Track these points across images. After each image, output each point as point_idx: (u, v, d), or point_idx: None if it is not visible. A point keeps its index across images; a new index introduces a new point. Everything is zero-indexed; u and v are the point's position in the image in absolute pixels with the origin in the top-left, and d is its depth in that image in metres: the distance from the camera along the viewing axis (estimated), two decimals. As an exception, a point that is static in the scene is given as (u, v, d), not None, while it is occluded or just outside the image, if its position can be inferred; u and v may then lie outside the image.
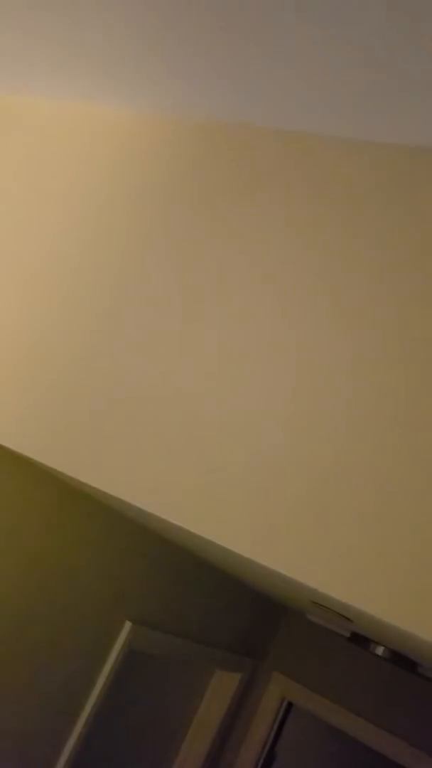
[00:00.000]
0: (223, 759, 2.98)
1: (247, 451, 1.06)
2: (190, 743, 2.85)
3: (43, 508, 1.72)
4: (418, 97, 1.07)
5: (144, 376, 1.23)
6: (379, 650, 1.71)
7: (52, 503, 1.74)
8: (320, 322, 1.13)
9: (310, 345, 1.12)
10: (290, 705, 3.07)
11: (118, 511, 1.84)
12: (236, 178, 1.34)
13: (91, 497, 1.80)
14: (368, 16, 0.96)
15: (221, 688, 2.93)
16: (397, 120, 1.15)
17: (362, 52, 1.04)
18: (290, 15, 1.03)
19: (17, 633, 1.71)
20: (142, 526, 2.03)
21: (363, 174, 1.22)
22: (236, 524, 1.00)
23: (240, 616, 2.79)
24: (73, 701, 1.95)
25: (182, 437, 1.13)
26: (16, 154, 1.66)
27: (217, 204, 1.34)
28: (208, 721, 2.89)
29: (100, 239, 1.44)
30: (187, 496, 1.06)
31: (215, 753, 2.90)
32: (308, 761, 3.54)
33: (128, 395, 1.22)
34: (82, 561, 1.86)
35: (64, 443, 1.23)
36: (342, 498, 0.96)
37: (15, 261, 1.51)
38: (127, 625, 2.07)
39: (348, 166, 1.24)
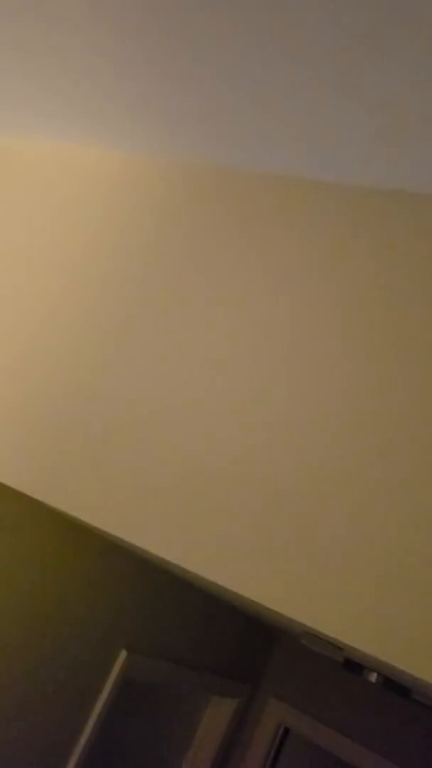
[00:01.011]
0: (219, 787, 2.96)
1: (239, 490, 1.09)
2: (186, 771, 2.83)
3: (38, 538, 1.73)
4: (389, 144, 1.12)
5: (137, 414, 1.26)
6: (372, 677, 1.72)
7: (48, 534, 1.76)
8: (298, 363, 1.17)
9: (293, 384, 1.15)
10: (287, 731, 3.07)
11: (112, 540, 1.85)
12: (221, 219, 1.38)
13: (85, 527, 1.81)
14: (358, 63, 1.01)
15: (217, 714, 2.92)
16: (372, 165, 1.20)
17: (340, 101, 1.09)
18: (278, 65, 1.07)
19: (11, 662, 1.72)
20: (137, 555, 2.04)
21: (347, 216, 1.26)
22: (228, 561, 1.03)
23: (235, 642, 2.79)
24: (68, 730, 1.95)
25: (172, 475, 1.16)
26: (11, 193, 1.70)
27: (204, 244, 1.38)
28: (205, 747, 2.88)
29: (89, 279, 1.48)
30: (177, 532, 1.09)
31: (212, 781, 2.89)
32: (305, 788, 3.52)
33: (120, 433, 1.25)
34: (77, 591, 1.88)
35: (58, 479, 1.26)
36: (329, 539, 0.99)
37: (7, 301, 1.55)
38: (123, 654, 2.08)
39: (324, 207, 1.29)
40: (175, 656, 2.38)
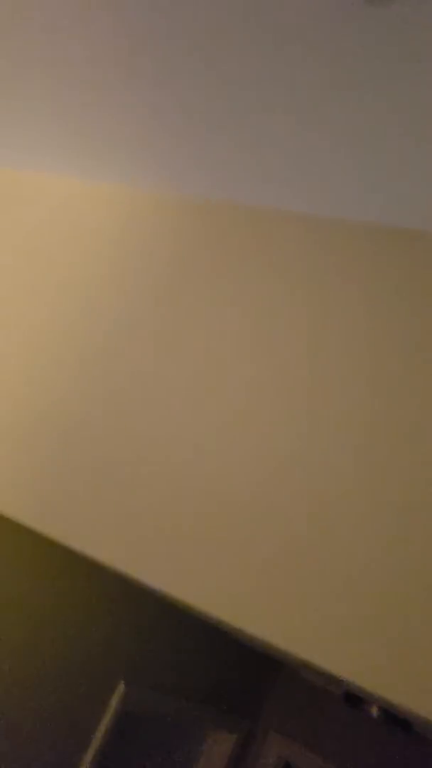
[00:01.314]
0: None
1: (241, 526, 1.10)
2: (185, 808, 2.78)
3: (37, 569, 1.73)
4: (384, 179, 1.15)
5: (133, 449, 1.27)
6: (373, 710, 1.71)
7: (47, 565, 1.75)
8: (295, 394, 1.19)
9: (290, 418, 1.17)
10: (288, 765, 3.02)
11: (112, 571, 1.85)
12: (226, 252, 1.41)
13: (85, 559, 1.81)
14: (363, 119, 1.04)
15: (217, 748, 2.88)
16: (372, 202, 1.23)
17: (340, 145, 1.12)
18: (276, 114, 1.11)
19: (8, 694, 1.71)
20: (137, 586, 2.04)
21: (352, 252, 1.29)
22: (229, 595, 1.03)
23: (235, 674, 2.76)
24: (67, 764, 1.92)
25: (171, 509, 1.17)
26: (23, 224, 1.74)
27: (209, 275, 1.41)
28: (204, 783, 2.83)
29: (94, 312, 1.50)
30: (179, 566, 1.09)
31: None
32: None
33: (119, 467, 1.26)
34: (75, 622, 1.87)
35: (58, 511, 1.27)
36: (331, 575, 1.00)
37: (9, 332, 1.57)
38: (121, 686, 2.06)
39: (325, 244, 1.32)
40: (174, 689, 2.36)
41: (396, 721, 1.80)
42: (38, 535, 1.55)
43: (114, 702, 2.05)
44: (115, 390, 1.38)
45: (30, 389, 1.47)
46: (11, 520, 1.33)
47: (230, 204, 1.44)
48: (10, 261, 1.69)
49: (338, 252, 1.30)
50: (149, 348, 1.39)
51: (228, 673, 2.71)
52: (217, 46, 0.97)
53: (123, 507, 1.21)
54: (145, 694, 2.18)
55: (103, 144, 1.45)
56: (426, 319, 1.16)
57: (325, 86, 0.95)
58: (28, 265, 1.65)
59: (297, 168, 1.22)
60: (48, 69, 1.27)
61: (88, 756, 1.97)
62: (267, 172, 1.27)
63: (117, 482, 1.25)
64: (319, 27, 0.82)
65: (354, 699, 1.77)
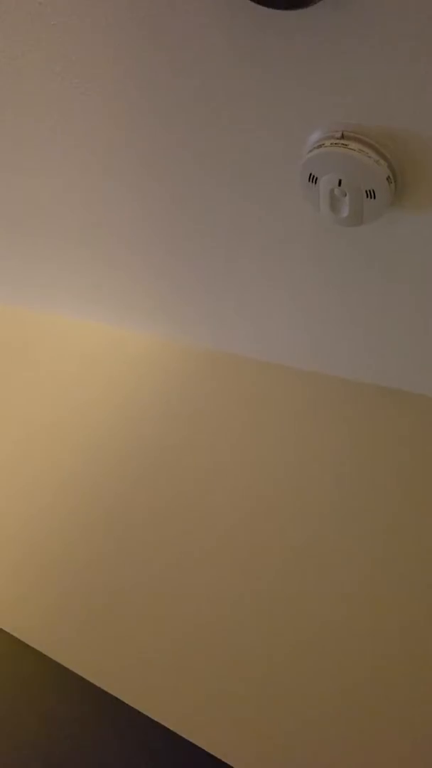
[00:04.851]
0: None
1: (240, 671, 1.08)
2: None
3: (43, 690, 1.68)
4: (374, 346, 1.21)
5: (132, 584, 1.27)
6: None
7: (51, 687, 1.70)
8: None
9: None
10: None
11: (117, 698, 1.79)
12: (233, 402, 1.45)
13: (91, 686, 1.76)
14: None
15: None
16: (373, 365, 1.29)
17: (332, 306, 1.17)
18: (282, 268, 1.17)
19: None
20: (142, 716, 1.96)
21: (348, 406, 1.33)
22: (236, 741, 1.00)
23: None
24: None
25: (172, 648, 1.15)
26: (44, 363, 1.78)
27: (213, 421, 1.44)
28: None
29: (110, 453, 1.53)
30: (169, 695, 1.07)
31: None
32: None
33: (114, 598, 1.25)
34: (77, 747, 1.78)
35: (66, 637, 1.25)
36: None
37: (25, 468, 1.59)
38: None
39: (320, 396, 1.35)
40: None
41: None
42: (43, 656, 1.51)
43: None
44: (124, 526, 1.38)
45: (46, 521, 1.47)
46: (18, 640, 1.31)
47: (233, 355, 1.50)
48: (23, 399, 1.73)
49: (330, 404, 1.34)
50: (161, 494, 1.41)
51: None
52: (227, 248, 1.07)
53: (122, 642, 1.18)
54: None
55: (123, 298, 1.51)
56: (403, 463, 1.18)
57: (318, 281, 1.06)
58: (41, 401, 1.69)
59: (295, 332, 1.29)
60: (82, 247, 1.31)
61: None
62: (267, 334, 1.34)
63: (131, 617, 1.23)
64: (311, 237, 0.95)
65: None
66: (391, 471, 1.21)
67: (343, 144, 0.73)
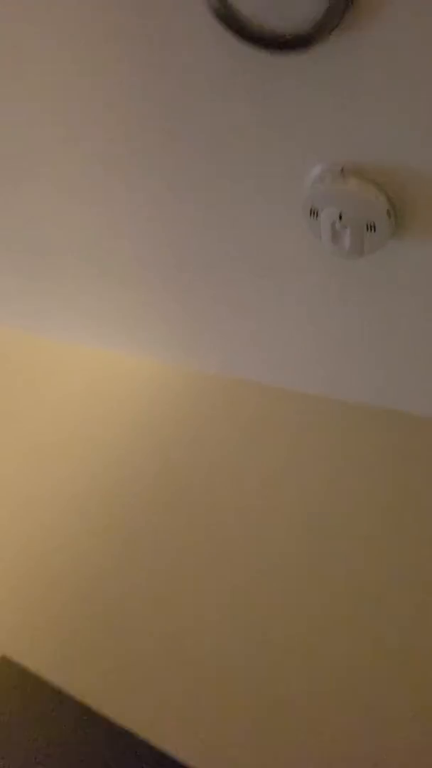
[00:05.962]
0: None
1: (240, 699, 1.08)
2: None
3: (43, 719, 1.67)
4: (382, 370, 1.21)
5: (132, 606, 1.27)
6: None
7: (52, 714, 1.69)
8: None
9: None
10: None
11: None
12: (238, 427, 1.46)
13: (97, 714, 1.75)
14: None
15: None
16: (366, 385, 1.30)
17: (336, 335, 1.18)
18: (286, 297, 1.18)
19: None
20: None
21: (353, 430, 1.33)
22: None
23: None
24: None
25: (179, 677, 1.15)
26: (59, 388, 1.80)
27: (218, 450, 1.45)
28: None
29: (117, 478, 1.54)
30: (186, 730, 1.06)
31: None
32: None
33: (116, 620, 1.25)
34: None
35: (74, 667, 1.25)
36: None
37: (36, 493, 1.60)
38: None
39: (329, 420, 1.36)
40: None
41: None
42: (50, 686, 1.51)
43: None
44: (129, 555, 1.38)
45: (54, 551, 1.48)
46: (23, 668, 1.31)
47: (242, 381, 1.51)
48: (28, 423, 1.75)
49: (333, 428, 1.35)
50: (171, 523, 1.41)
51: None
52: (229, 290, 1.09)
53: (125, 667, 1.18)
54: None
55: (134, 324, 1.52)
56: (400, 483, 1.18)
57: (323, 303, 1.07)
58: (46, 425, 1.70)
59: (306, 357, 1.31)
60: (95, 282, 1.34)
61: None
62: (276, 359, 1.35)
63: (141, 648, 1.23)
64: (314, 266, 0.98)
65: None
66: (414, 497, 1.21)
67: (343, 180, 0.75)
